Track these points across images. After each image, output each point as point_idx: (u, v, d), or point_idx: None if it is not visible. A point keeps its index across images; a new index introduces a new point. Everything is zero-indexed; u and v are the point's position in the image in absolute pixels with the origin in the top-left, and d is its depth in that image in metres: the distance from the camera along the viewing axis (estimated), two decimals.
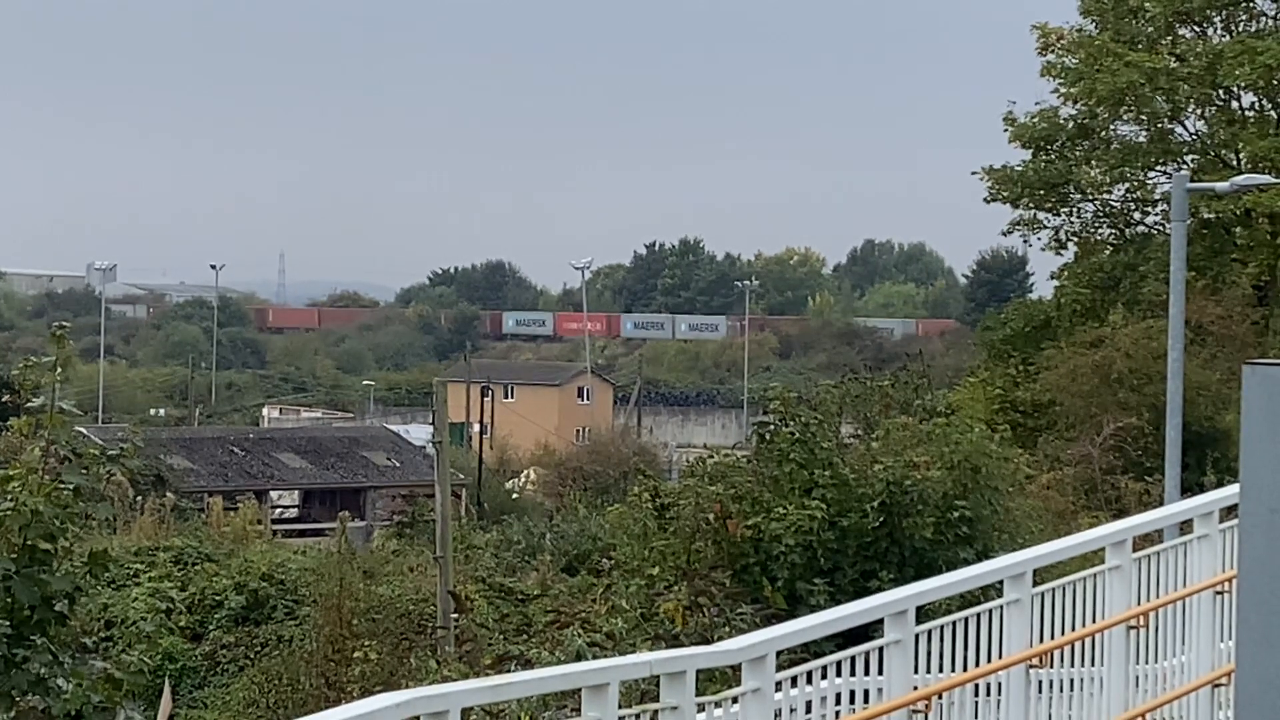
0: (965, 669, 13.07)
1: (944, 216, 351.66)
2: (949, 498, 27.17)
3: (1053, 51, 58.79)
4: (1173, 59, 57.31)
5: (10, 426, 15.86)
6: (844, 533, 26.95)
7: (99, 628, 40.88)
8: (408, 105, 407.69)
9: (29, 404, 14.08)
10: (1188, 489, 32.80)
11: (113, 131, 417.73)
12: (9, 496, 13.49)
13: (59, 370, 13.94)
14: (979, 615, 13.22)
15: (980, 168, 59.00)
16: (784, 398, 29.29)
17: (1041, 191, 58.67)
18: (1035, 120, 58.50)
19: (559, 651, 20.94)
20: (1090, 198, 59.92)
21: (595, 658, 18.94)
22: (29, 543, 13.40)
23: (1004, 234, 61.47)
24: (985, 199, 58.99)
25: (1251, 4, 57.90)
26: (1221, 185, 39.81)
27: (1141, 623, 14.55)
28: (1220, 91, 57.32)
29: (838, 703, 12.45)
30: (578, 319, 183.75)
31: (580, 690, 10.47)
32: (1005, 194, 58.71)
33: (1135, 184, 59.36)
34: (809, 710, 12.16)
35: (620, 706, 10.47)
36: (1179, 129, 59.03)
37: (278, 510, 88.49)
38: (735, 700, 11.52)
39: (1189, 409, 37.94)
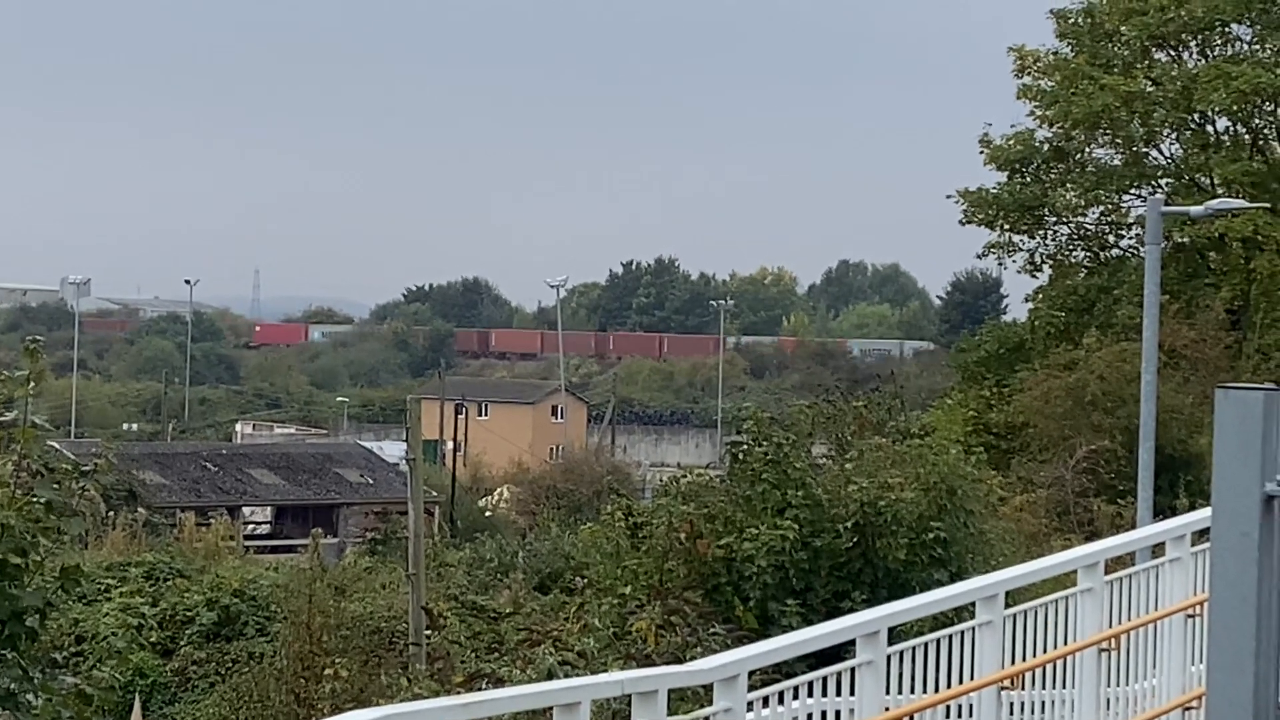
0: (937, 690, 13.08)
1: (919, 238, 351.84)
2: (923, 519, 27.17)
3: (1029, 74, 58.98)
4: (1148, 83, 57.49)
5: None
6: (817, 553, 26.94)
7: (70, 643, 40.75)
8: (381, 122, 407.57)
9: (1, 418, 14.03)
10: (1160, 512, 32.82)
11: (87, 146, 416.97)
12: None
13: (31, 384, 13.89)
14: (951, 636, 13.24)
15: (955, 190, 59.18)
16: (757, 418, 29.30)
17: (1016, 214, 58.78)
18: (1011, 142, 58.63)
19: (531, 670, 20.87)
20: (1065, 220, 60.06)
21: (567, 676, 18.91)
22: (0, 557, 13.36)
23: (979, 256, 61.72)
24: (960, 221, 59.15)
25: (1226, 29, 58.11)
26: (1195, 209, 39.95)
27: (1113, 645, 14.58)
28: (1195, 116, 57.48)
29: None
30: (790, 344, 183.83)
31: (552, 709, 10.46)
32: (980, 216, 58.82)
33: (1110, 207, 59.54)
34: None
35: None
36: (1154, 153, 59.23)
37: (250, 526, 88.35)
38: None
39: (1162, 432, 38.04)
